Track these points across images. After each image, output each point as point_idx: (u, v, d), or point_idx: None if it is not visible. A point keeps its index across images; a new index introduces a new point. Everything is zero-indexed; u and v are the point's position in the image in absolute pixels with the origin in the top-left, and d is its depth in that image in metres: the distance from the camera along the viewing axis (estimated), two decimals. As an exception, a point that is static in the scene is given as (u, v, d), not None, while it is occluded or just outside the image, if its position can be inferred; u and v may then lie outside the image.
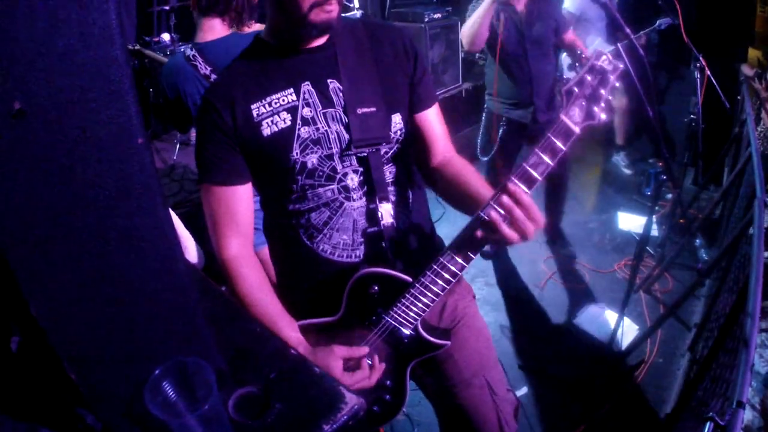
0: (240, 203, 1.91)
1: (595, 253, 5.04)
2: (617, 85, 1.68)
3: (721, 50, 6.70)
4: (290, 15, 1.75)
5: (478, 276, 4.74)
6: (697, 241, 5.42)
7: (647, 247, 5.18)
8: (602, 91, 1.65)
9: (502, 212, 1.62)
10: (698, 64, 5.52)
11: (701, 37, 7.13)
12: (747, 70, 5.82)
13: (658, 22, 5.77)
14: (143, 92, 6.00)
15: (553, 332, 4.30)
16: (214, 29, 3.09)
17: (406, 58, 1.99)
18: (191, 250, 2.75)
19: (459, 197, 1.91)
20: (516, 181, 1.62)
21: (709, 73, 5.46)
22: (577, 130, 1.63)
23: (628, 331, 4.15)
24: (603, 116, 1.66)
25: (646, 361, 3.98)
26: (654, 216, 5.48)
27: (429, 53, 6.74)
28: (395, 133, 1.95)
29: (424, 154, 2.08)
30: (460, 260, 1.74)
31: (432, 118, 2.06)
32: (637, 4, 6.81)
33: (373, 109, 1.88)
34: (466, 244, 1.72)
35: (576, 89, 1.65)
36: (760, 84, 5.75)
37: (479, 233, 1.69)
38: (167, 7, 6.33)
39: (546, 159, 1.62)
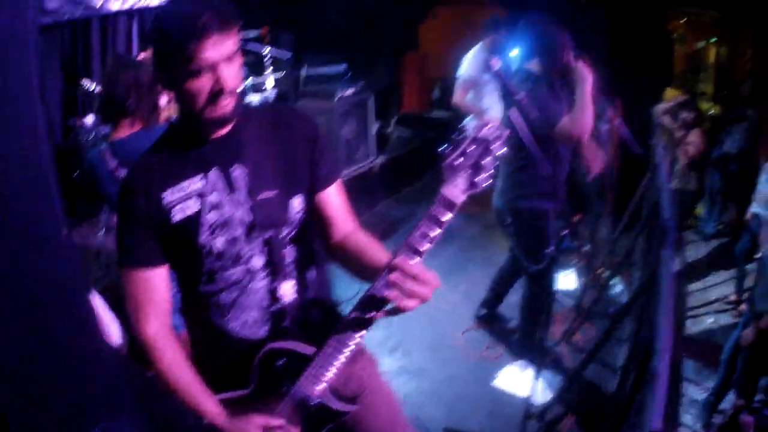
0: (158, 285, 1.99)
1: (513, 313, 5.07)
2: (503, 152, 1.84)
3: (634, 97, 7.11)
4: (190, 110, 1.88)
5: (398, 347, 4.84)
6: (618, 287, 5.69)
7: (564, 300, 5.43)
8: (486, 161, 1.77)
9: (393, 287, 1.74)
10: (606, 116, 5.85)
11: (615, 85, 7.60)
12: (659, 109, 6.13)
13: None
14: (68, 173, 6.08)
15: (475, 395, 4.39)
16: (125, 127, 3.26)
17: (307, 141, 2.11)
18: (114, 333, 2.83)
19: (361, 271, 2.03)
20: (403, 255, 1.76)
21: (618, 121, 5.77)
22: (459, 201, 1.76)
23: (549, 385, 4.31)
24: (486, 184, 1.78)
25: (573, 409, 4.12)
26: (573, 269, 5.75)
27: (341, 131, 6.94)
28: (295, 215, 2.07)
29: (326, 232, 2.19)
30: (357, 331, 1.87)
31: (332, 197, 2.18)
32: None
33: (275, 192, 2.00)
34: (361, 317, 1.85)
35: (458, 162, 1.77)
36: (673, 123, 6.11)
37: (373, 307, 1.83)
38: (90, 89, 6.40)
39: (432, 230, 1.76)
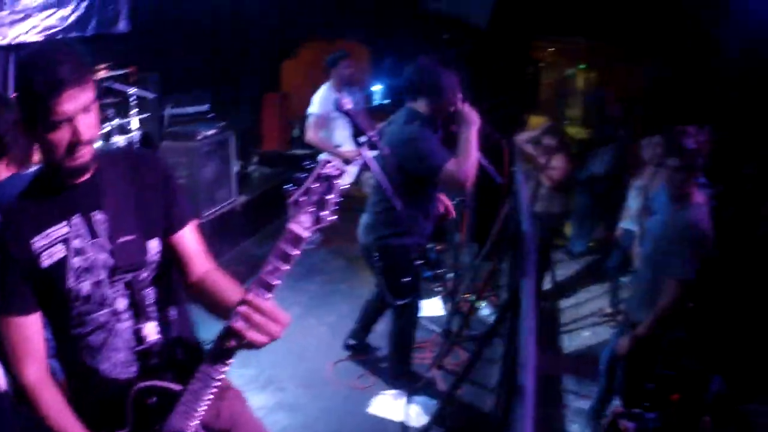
0: (33, 332, 2.09)
1: (382, 342, 5.26)
2: (346, 187, 2.01)
3: (498, 128, 7.42)
4: (49, 160, 2.03)
5: (270, 383, 4.94)
6: (486, 310, 5.95)
7: (433, 327, 5.63)
8: (329, 197, 1.93)
9: (244, 322, 1.90)
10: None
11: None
12: (521, 138, 6.43)
13: None
14: None
15: (351, 425, 4.54)
16: (1, 170, 3.23)
17: (161, 184, 2.26)
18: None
19: (219, 309, 2.17)
20: (255, 290, 1.91)
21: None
22: (306, 235, 1.92)
23: (425, 410, 4.51)
24: (332, 218, 1.95)
25: (452, 431, 4.33)
26: (439, 296, 5.97)
27: (203, 171, 7.00)
28: (153, 257, 2.21)
29: (183, 273, 2.33)
30: (219, 367, 2.01)
31: (187, 239, 2.32)
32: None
33: (132, 237, 2.14)
34: (220, 352, 1.99)
35: (303, 198, 1.92)
36: (535, 150, 6.42)
37: (229, 342, 1.96)
38: None
39: (281, 265, 1.91)
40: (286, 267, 1.90)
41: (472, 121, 4.10)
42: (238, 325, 1.90)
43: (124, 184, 2.18)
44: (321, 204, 1.93)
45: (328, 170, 1.93)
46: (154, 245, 2.22)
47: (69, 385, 2.32)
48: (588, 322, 6.79)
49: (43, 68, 1.87)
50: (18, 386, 2.12)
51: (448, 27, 8.09)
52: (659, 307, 4.01)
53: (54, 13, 7.34)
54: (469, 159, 4.04)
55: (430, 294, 6.20)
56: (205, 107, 8.59)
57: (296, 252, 1.90)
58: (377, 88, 8.38)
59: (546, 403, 4.98)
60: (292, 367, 5.14)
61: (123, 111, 7.21)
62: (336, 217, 1.96)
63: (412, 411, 4.14)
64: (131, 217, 2.16)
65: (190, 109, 8.42)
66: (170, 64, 9.00)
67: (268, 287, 1.91)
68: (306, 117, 7.06)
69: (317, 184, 1.93)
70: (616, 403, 4.64)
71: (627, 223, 6.28)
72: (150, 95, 7.57)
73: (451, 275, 6.28)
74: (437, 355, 5.24)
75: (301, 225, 1.91)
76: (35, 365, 2.09)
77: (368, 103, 7.58)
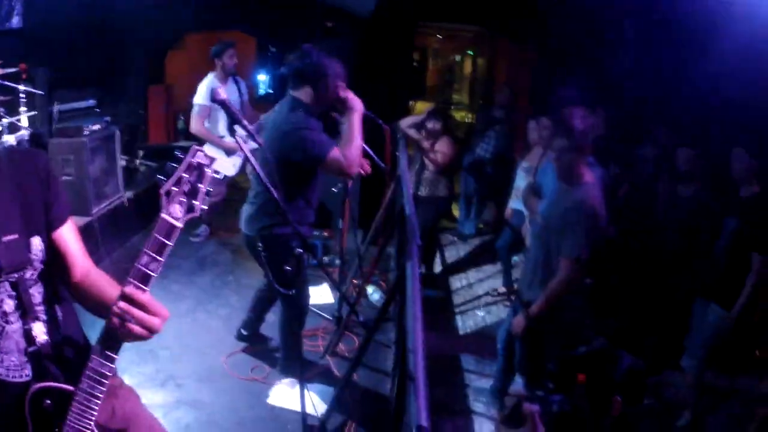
0: None
1: (272, 331, 5.29)
2: (215, 175, 2.01)
3: (383, 114, 7.48)
4: None
5: (168, 380, 4.89)
6: (376, 295, 6.02)
7: (323, 314, 5.68)
8: (200, 185, 1.95)
9: (123, 317, 1.89)
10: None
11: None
12: (403, 123, 6.50)
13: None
14: None
15: (253, 417, 4.55)
16: None
17: (39, 180, 2.20)
18: None
19: (100, 308, 2.17)
20: (132, 283, 1.91)
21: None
22: (180, 225, 1.93)
23: (323, 397, 4.56)
24: (204, 207, 1.98)
25: (352, 416, 4.44)
26: (326, 283, 6.02)
27: (89, 167, 6.85)
28: (36, 255, 2.16)
29: (64, 272, 2.30)
30: (106, 362, 1.98)
31: (66, 236, 2.28)
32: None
33: (15, 236, 2.09)
34: (105, 348, 1.98)
35: (175, 188, 1.93)
36: (419, 134, 6.51)
37: (112, 338, 1.96)
38: None
39: (156, 256, 1.92)
40: (161, 258, 1.91)
41: (356, 108, 4.15)
42: (118, 320, 1.89)
43: (5, 182, 2.14)
44: (193, 193, 1.95)
45: (198, 159, 1.95)
46: (36, 243, 2.17)
47: None
48: (482, 302, 6.93)
49: None
50: None
51: (331, 16, 8.13)
52: (551, 286, 4.08)
53: None
54: (353, 146, 4.08)
55: (318, 281, 6.24)
56: (91, 102, 8.40)
57: (170, 242, 1.91)
58: (262, 78, 8.35)
59: (447, 384, 5.08)
60: (189, 362, 5.11)
61: (12, 109, 6.99)
62: (206, 207, 1.99)
63: (310, 399, 4.16)
64: (13, 216, 2.11)
65: (78, 105, 8.22)
66: (59, 61, 8.78)
67: (145, 279, 1.91)
68: (190, 107, 7.00)
69: (188, 174, 1.94)
70: (518, 384, 4.76)
71: (516, 203, 6.41)
72: (39, 92, 7.36)
73: (338, 262, 6.33)
74: (330, 342, 5.28)
75: (173, 215, 1.91)
76: None
77: (253, 92, 7.55)
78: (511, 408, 4.51)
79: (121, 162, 7.65)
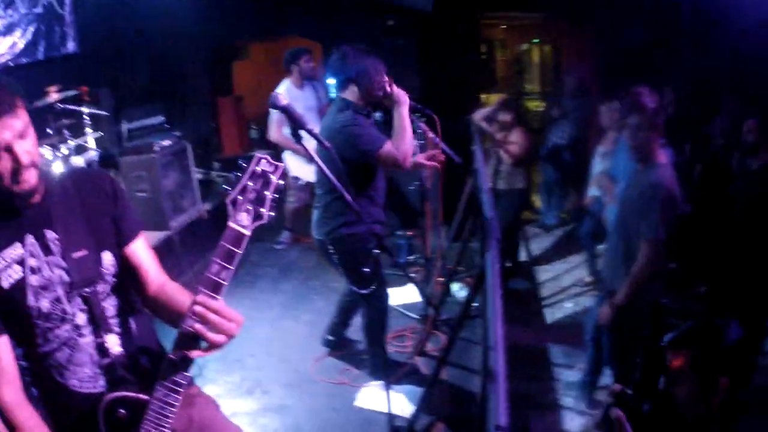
0: (2, 354, 2.12)
1: (359, 335, 5.19)
2: (281, 182, 2.00)
3: (456, 108, 7.38)
4: None
5: (255, 387, 4.92)
6: (462, 292, 5.94)
7: (410, 314, 5.63)
8: (266, 193, 1.96)
9: (199, 323, 1.93)
10: (418, 131, 6.09)
11: (430, 101, 7.88)
12: (477, 116, 6.42)
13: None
14: None
15: (340, 421, 4.52)
16: None
17: (107, 198, 2.30)
18: None
19: (175, 319, 2.18)
20: (203, 292, 1.94)
21: (431, 136, 6.03)
22: (247, 233, 1.95)
23: (411, 397, 4.50)
24: (272, 214, 1.97)
25: (441, 416, 4.35)
26: (413, 283, 5.96)
27: (164, 182, 6.96)
28: (108, 270, 2.25)
29: (139, 285, 2.39)
30: (181, 372, 2.02)
31: (138, 250, 2.37)
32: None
33: (85, 252, 2.17)
34: (180, 358, 2.00)
35: (240, 197, 1.94)
36: (491, 126, 6.41)
37: (186, 346, 1.99)
38: None
39: (225, 264, 1.94)
40: (231, 266, 1.96)
41: (402, 101, 4.20)
42: (193, 326, 1.94)
43: (72, 203, 2.23)
44: (259, 201, 1.97)
45: (262, 166, 1.97)
46: (108, 258, 2.26)
47: (43, 404, 2.33)
48: (569, 292, 6.78)
49: None
50: None
51: (392, 14, 8.07)
52: (634, 272, 3.96)
53: (1, 42, 7.35)
54: (404, 138, 4.14)
55: (403, 281, 6.16)
56: (160, 119, 8.58)
57: (238, 251, 1.95)
58: (332, 81, 8.39)
59: (536, 378, 4.98)
60: (275, 369, 5.14)
61: (78, 131, 7.18)
62: (274, 213, 2.00)
63: (398, 401, 4.13)
64: (82, 233, 2.20)
65: (147, 122, 8.41)
66: (121, 80, 9.00)
67: (216, 288, 1.96)
68: (264, 116, 7.02)
69: (253, 182, 1.96)
70: (610, 381, 4.58)
71: (595, 190, 6.25)
72: (103, 113, 7.54)
73: (422, 260, 6.27)
74: (417, 342, 5.22)
75: (240, 223, 1.94)
76: (9, 386, 2.12)
77: (328, 96, 7.58)
78: (601, 415, 4.38)
79: (197, 175, 7.76)
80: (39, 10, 7.87)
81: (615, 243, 4.31)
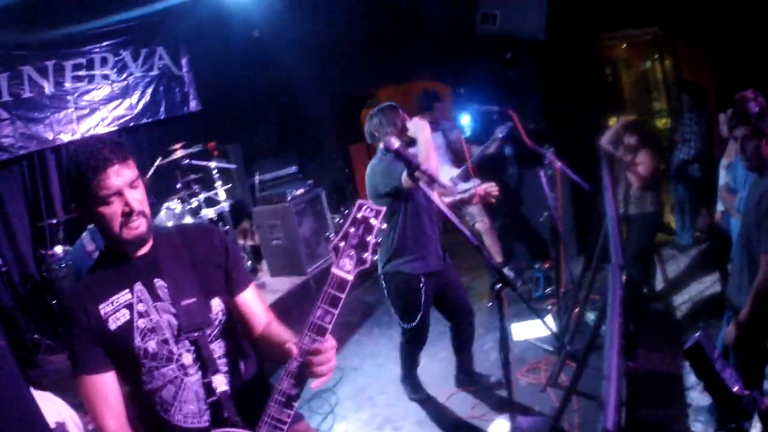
0: (108, 388, 2.32)
1: (496, 370, 5.20)
2: (383, 227, 2.08)
3: (576, 134, 7.31)
4: (109, 235, 2.27)
5: (385, 423, 5.02)
6: (593, 318, 5.82)
7: (545, 346, 5.58)
8: (369, 238, 2.04)
9: (301, 364, 2.05)
10: (546, 161, 6.05)
11: (552, 130, 7.81)
12: (604, 140, 6.34)
13: (496, 131, 6.33)
14: (46, 305, 6.69)
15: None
16: None
17: (218, 251, 2.51)
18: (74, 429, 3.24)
19: (277, 355, 2.30)
20: (309, 335, 2.04)
21: (559, 165, 6.00)
22: (350, 278, 2.03)
23: (539, 427, 4.48)
24: (375, 258, 2.06)
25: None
26: (549, 314, 5.91)
27: (299, 230, 7.20)
28: (216, 315, 2.43)
29: (247, 328, 2.56)
30: (284, 408, 2.10)
31: (249, 297, 2.56)
32: (484, 122, 7.49)
33: (194, 299, 2.36)
34: (284, 394, 2.09)
35: (342, 243, 2.03)
36: (617, 150, 6.31)
37: (291, 383, 2.09)
38: (55, 221, 6.85)
39: (330, 309, 2.03)
40: (335, 310, 2.05)
41: (421, 128, 4.51)
42: (297, 367, 2.06)
43: (181, 254, 2.43)
44: (362, 246, 2.04)
45: (364, 212, 2.06)
46: (216, 303, 2.44)
47: None
48: (705, 313, 6.49)
49: (88, 153, 2.17)
50: None
51: (508, 46, 8.09)
52: (756, 287, 3.73)
53: (120, 103, 7.84)
54: (430, 159, 4.37)
55: (539, 313, 6.12)
56: (293, 169, 8.87)
57: (342, 295, 2.03)
58: (465, 120, 8.44)
59: (668, 404, 4.83)
60: (407, 406, 5.21)
61: (208, 185, 7.52)
62: (376, 257, 2.09)
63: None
64: (190, 281, 2.39)
65: (280, 173, 8.72)
66: (252, 134, 9.37)
67: (320, 331, 2.05)
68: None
69: (354, 228, 2.05)
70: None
71: (723, 205, 6.03)
72: (231, 166, 7.89)
73: (548, 291, 6.22)
74: (551, 374, 5.16)
75: (343, 269, 2.03)
76: (114, 418, 2.29)
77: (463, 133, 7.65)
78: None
79: (332, 221, 7.94)
80: (155, 72, 8.38)
81: (739, 258, 4.09)
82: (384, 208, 2.08)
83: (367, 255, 2.04)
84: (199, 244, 2.49)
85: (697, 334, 2.25)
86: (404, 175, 4.15)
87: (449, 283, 4.89)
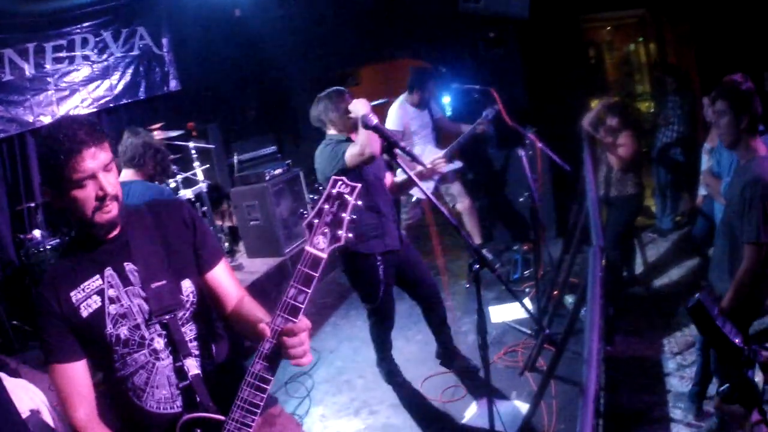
0: (79, 377, 2.27)
1: (474, 353, 5.18)
2: (359, 203, 2.00)
3: (558, 115, 7.26)
4: (80, 219, 2.20)
5: (362, 407, 4.96)
6: (571, 302, 5.79)
7: (522, 329, 5.53)
8: (343, 215, 1.97)
9: (276, 345, 1.99)
10: (527, 141, 5.99)
11: (536, 110, 7.76)
12: (585, 122, 6.28)
13: (484, 113, 6.25)
14: (25, 290, 6.57)
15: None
16: (126, 175, 4.34)
17: (186, 227, 2.43)
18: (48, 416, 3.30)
19: (249, 333, 2.25)
20: (282, 314, 1.97)
21: (540, 146, 5.94)
22: (324, 256, 1.96)
23: (517, 412, 4.43)
24: (349, 235, 1.98)
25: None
26: (527, 297, 5.86)
27: (276, 209, 7.11)
28: (187, 297, 2.35)
29: (219, 305, 2.48)
30: (257, 392, 2.05)
31: (219, 274, 2.48)
32: (465, 101, 7.42)
33: (163, 282, 2.29)
34: (257, 376, 2.04)
35: (317, 220, 1.96)
36: (598, 131, 6.25)
37: (264, 365, 2.03)
38: (33, 204, 6.78)
39: (303, 288, 1.96)
40: (308, 290, 1.99)
41: (359, 108, 4.27)
42: (270, 348, 2.02)
43: (150, 235, 2.35)
44: (336, 223, 1.98)
45: (339, 188, 1.99)
46: (187, 285, 2.36)
47: (120, 424, 2.45)
48: (685, 299, 6.48)
49: (63, 135, 2.09)
50: (71, 427, 2.27)
51: (492, 25, 8.01)
52: (737, 277, 3.64)
53: (100, 84, 7.71)
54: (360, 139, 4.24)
55: (517, 295, 6.08)
56: (272, 149, 8.78)
57: (315, 274, 1.97)
58: (446, 99, 8.36)
59: (647, 389, 4.79)
60: (384, 389, 5.16)
61: (187, 165, 7.43)
62: (351, 235, 2.01)
63: (505, 417, 4.06)
64: (161, 263, 2.32)
65: (258, 153, 8.63)
66: (231, 114, 9.27)
67: (293, 311, 1.99)
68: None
69: (328, 204, 1.98)
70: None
71: (704, 189, 5.98)
72: (210, 146, 7.80)
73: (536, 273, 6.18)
74: (529, 357, 5.11)
75: (317, 246, 1.97)
76: (83, 407, 2.25)
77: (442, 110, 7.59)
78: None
79: (311, 202, 7.86)
80: (136, 52, 8.26)
81: (721, 244, 3.99)
82: (360, 185, 2.00)
83: (341, 232, 1.98)
84: (169, 221, 2.42)
85: (697, 294, 2.26)
86: (348, 151, 4.25)
87: (408, 261, 4.88)
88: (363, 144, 4.15)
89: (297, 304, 1.97)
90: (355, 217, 2.00)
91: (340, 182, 2.00)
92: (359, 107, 4.23)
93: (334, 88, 4.71)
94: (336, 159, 4.37)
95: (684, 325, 5.63)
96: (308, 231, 1.98)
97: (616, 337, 5.39)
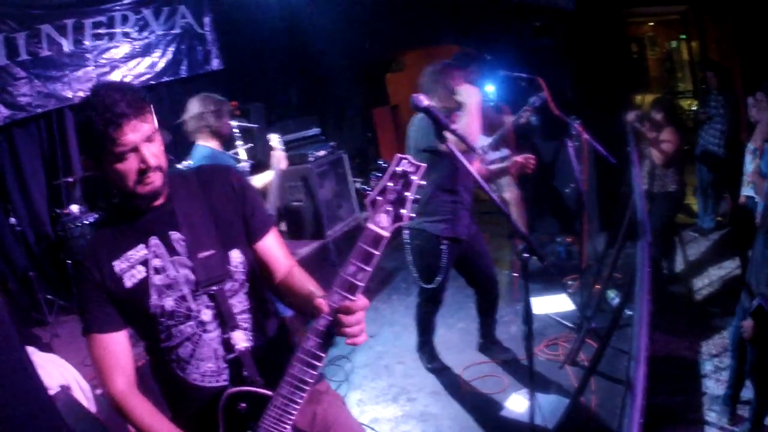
0: (118, 348, 2.19)
1: (515, 343, 5.20)
2: (423, 183, 1.90)
3: (603, 108, 7.10)
4: (122, 190, 2.10)
5: (401, 394, 4.88)
6: (617, 299, 5.65)
7: (565, 322, 5.41)
8: (407, 194, 1.86)
9: (330, 322, 1.88)
10: (573, 132, 5.86)
11: (581, 101, 7.60)
12: (630, 116, 6.15)
13: (531, 100, 6.12)
14: (60, 265, 6.52)
15: (478, 429, 4.41)
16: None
17: (235, 195, 2.32)
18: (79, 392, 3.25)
19: (300, 306, 2.20)
20: (339, 291, 1.86)
21: (586, 137, 5.80)
22: (387, 234, 1.84)
23: (557, 406, 4.29)
24: (412, 215, 1.87)
25: (585, 428, 4.13)
26: (569, 290, 5.74)
27: (320, 191, 7.03)
28: (236, 267, 2.25)
29: (268, 275, 2.38)
30: (308, 369, 1.94)
31: (270, 245, 2.38)
32: (510, 89, 7.29)
33: (212, 251, 2.20)
34: (309, 353, 1.93)
35: (380, 198, 1.85)
36: (642, 125, 6.12)
37: (317, 342, 1.92)
38: (71, 179, 6.72)
39: (363, 266, 1.84)
40: (369, 268, 1.87)
41: (470, 94, 4.30)
42: (325, 325, 1.90)
43: (198, 202, 2.26)
44: (399, 202, 1.87)
45: (403, 167, 1.88)
46: (235, 255, 2.27)
47: (163, 395, 2.40)
48: (724, 300, 6.31)
49: (102, 106, 1.97)
50: (108, 399, 2.20)
51: (538, 15, 7.87)
52: None
53: (141, 61, 7.66)
54: (468, 125, 4.18)
55: (559, 288, 6.01)
56: (315, 131, 8.70)
57: (377, 252, 1.86)
58: (490, 88, 8.26)
59: (683, 391, 4.66)
60: (423, 376, 5.08)
61: (229, 144, 7.38)
62: (414, 214, 1.89)
63: (544, 411, 3.96)
64: (208, 232, 2.23)
65: (302, 134, 8.54)
66: (275, 95, 9.19)
67: (352, 288, 1.87)
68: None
69: (392, 183, 1.88)
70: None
71: (748, 189, 5.80)
72: (254, 126, 7.72)
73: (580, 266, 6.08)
74: (570, 351, 5.00)
75: (379, 224, 1.86)
76: (122, 378, 2.17)
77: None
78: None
79: (355, 185, 7.79)
80: (177, 30, 8.19)
81: (761, 247, 3.83)
82: (425, 165, 1.90)
83: (404, 211, 1.86)
84: (217, 188, 2.32)
85: (757, 298, 2.14)
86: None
87: (475, 251, 4.78)
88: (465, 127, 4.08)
89: (356, 282, 1.85)
90: (419, 197, 1.88)
91: (405, 160, 1.88)
92: (470, 92, 4.24)
93: (445, 61, 4.63)
94: (430, 135, 4.17)
95: (722, 326, 5.49)
96: (371, 208, 1.87)
97: (656, 335, 5.24)
